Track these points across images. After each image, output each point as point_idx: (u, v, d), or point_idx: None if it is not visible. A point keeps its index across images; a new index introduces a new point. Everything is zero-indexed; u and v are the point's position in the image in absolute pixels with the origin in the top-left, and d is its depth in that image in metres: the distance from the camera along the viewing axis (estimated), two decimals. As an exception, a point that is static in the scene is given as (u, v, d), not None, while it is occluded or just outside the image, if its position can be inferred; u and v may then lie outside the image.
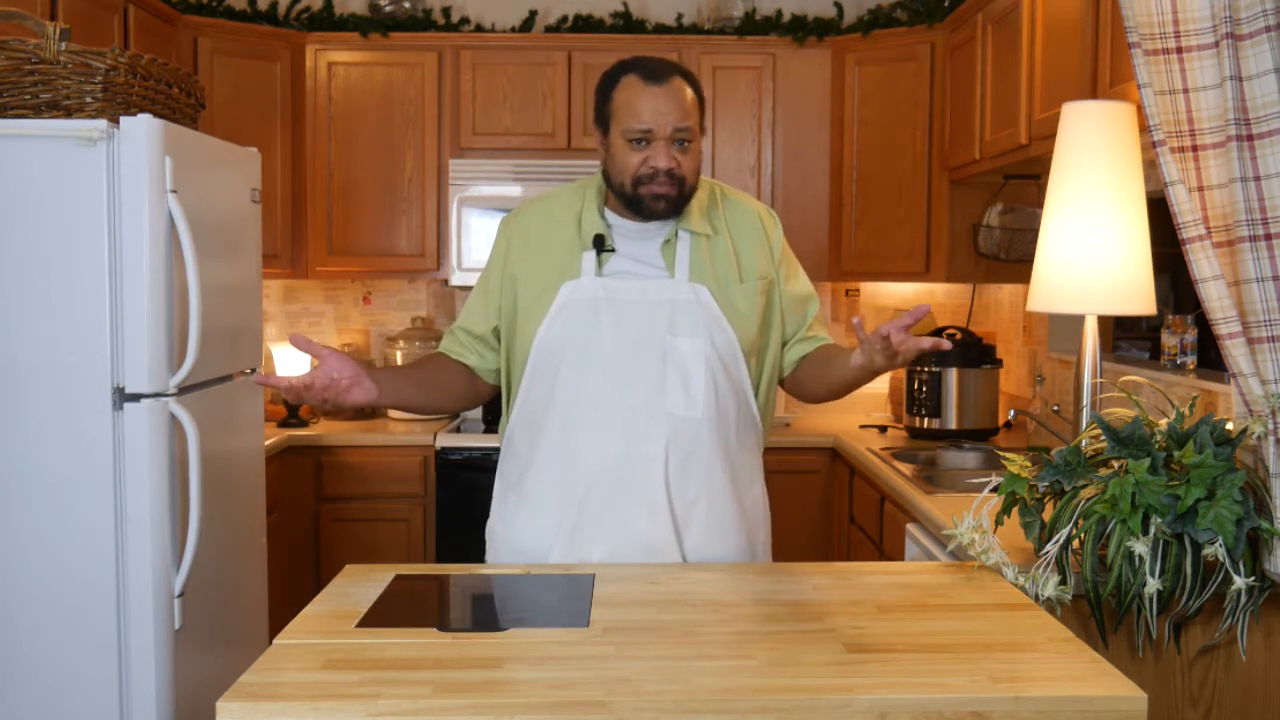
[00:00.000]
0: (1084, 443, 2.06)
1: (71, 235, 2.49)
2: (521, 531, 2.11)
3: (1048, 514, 2.03)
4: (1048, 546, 1.95)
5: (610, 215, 2.12)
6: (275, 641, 1.59)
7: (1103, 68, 2.61)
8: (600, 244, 2.08)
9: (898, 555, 3.03)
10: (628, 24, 4.37)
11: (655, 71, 2.03)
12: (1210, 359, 2.71)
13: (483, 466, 3.94)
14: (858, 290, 4.65)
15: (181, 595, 2.62)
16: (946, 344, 1.86)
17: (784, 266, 2.20)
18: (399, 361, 4.32)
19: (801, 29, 4.24)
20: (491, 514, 2.23)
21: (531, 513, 2.10)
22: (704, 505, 2.07)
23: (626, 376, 2.04)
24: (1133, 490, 1.88)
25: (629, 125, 2.01)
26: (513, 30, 4.42)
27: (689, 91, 2.04)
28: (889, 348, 1.87)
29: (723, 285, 2.10)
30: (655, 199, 2.03)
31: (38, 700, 2.53)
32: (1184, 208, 1.98)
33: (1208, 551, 1.87)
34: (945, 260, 4.02)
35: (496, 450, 3.89)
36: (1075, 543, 1.95)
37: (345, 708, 1.37)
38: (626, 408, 2.03)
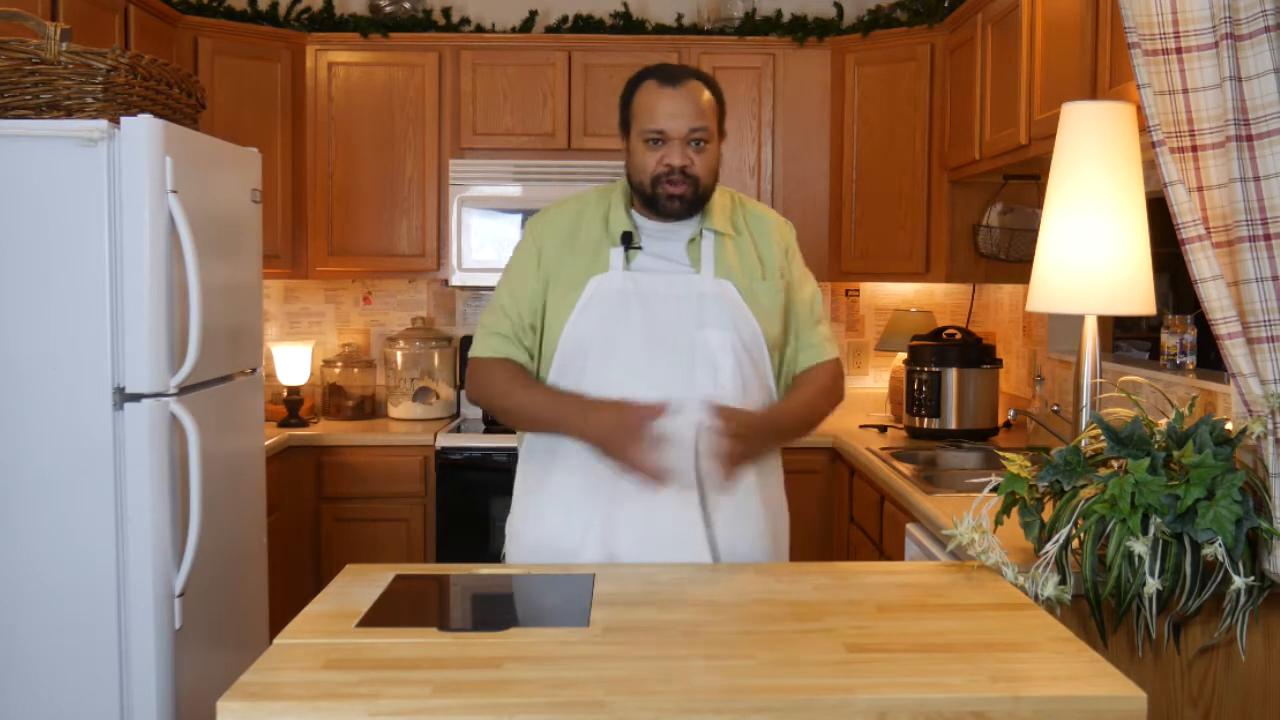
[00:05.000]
0: (1084, 443, 2.07)
1: (72, 235, 2.49)
2: (550, 525, 2.12)
3: (1047, 514, 2.03)
4: (1047, 546, 1.95)
5: (636, 216, 2.16)
6: (275, 641, 1.59)
7: (1102, 68, 2.61)
8: (628, 241, 2.13)
9: (898, 555, 3.03)
10: (628, 24, 4.37)
11: (672, 75, 2.10)
12: (1210, 359, 2.71)
13: (483, 466, 3.93)
14: (858, 290, 4.65)
15: (181, 595, 2.62)
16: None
17: (799, 271, 2.26)
18: (399, 362, 4.33)
19: (801, 29, 4.24)
20: (513, 510, 2.23)
21: (561, 504, 2.11)
22: (731, 492, 2.09)
23: (655, 366, 2.07)
24: (1132, 490, 1.88)
25: (645, 126, 2.08)
26: (513, 30, 4.42)
27: (706, 94, 2.10)
28: None
29: (748, 281, 2.14)
30: (670, 199, 2.09)
31: (38, 700, 2.53)
32: (1183, 208, 1.98)
33: (1207, 551, 1.87)
34: (945, 260, 4.02)
35: (497, 450, 3.93)
36: (1075, 543, 1.95)
37: (345, 708, 1.37)
38: (658, 395, 2.04)
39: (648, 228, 2.15)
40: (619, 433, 1.98)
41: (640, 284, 2.10)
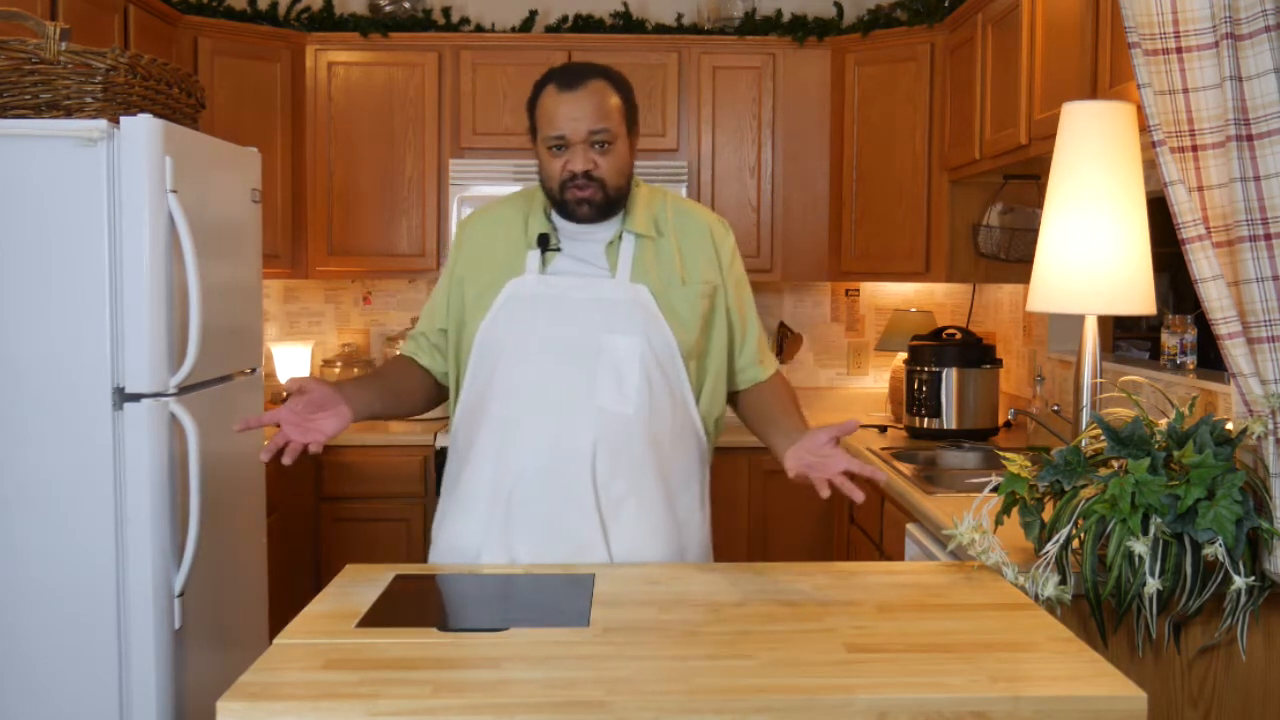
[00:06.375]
0: (1084, 443, 2.07)
1: (71, 235, 2.49)
2: (456, 529, 2.11)
3: (1047, 514, 2.03)
4: (1048, 546, 1.95)
5: (556, 217, 2.15)
6: (275, 641, 1.59)
7: (1103, 68, 2.61)
8: (545, 243, 2.12)
9: (898, 555, 3.03)
10: (628, 24, 4.37)
11: (571, 78, 2.07)
12: (1210, 359, 2.71)
13: (483, 466, 3.93)
14: (858, 290, 4.65)
15: (181, 595, 2.62)
16: (872, 479, 1.95)
17: (731, 276, 2.21)
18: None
19: (801, 29, 4.24)
20: (439, 509, 2.23)
21: (465, 509, 2.11)
22: (632, 503, 2.06)
23: (559, 371, 2.06)
24: (1132, 490, 1.88)
25: (546, 133, 2.06)
26: (513, 30, 4.42)
27: (610, 95, 2.07)
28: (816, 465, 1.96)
29: (664, 287, 2.11)
30: (578, 203, 2.07)
31: (38, 700, 2.53)
32: (1184, 208, 1.98)
33: (1207, 551, 1.87)
34: (945, 260, 4.02)
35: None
36: (1075, 543, 1.95)
37: (345, 708, 1.37)
38: (558, 402, 2.05)
39: (567, 229, 2.13)
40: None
41: (552, 288, 2.09)
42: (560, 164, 2.06)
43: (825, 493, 1.93)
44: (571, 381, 2.05)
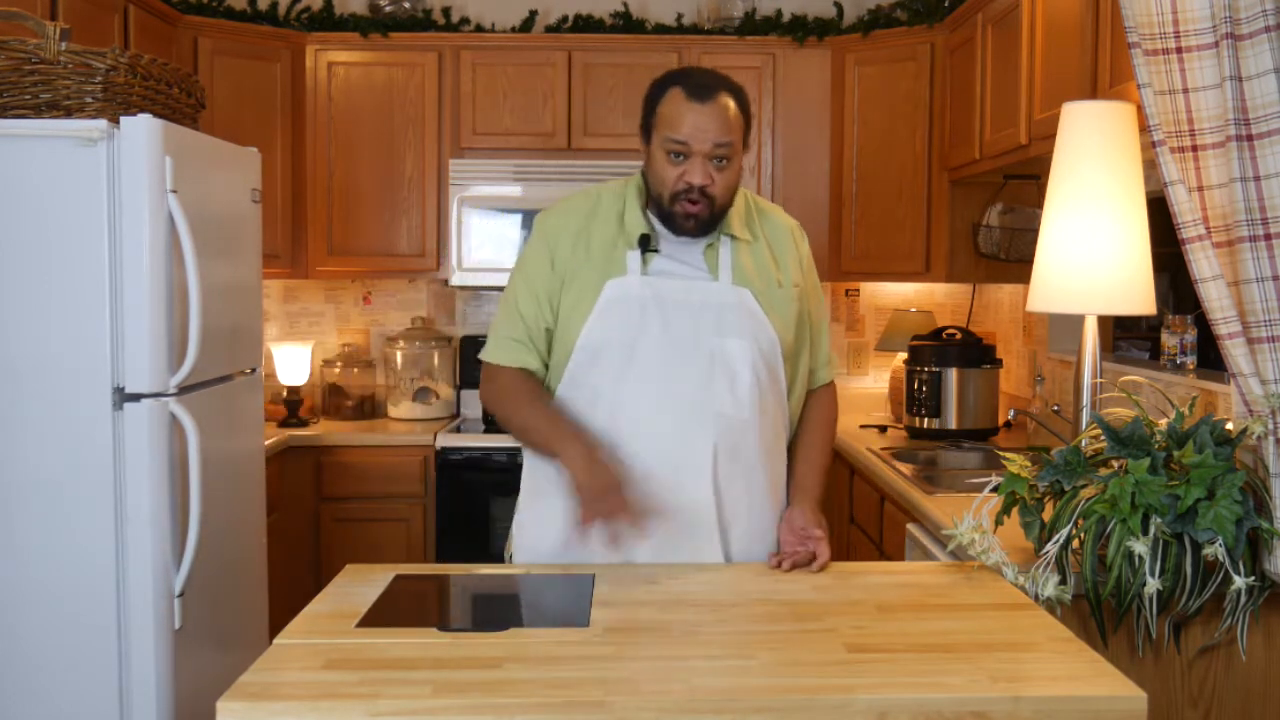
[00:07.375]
0: (1084, 443, 2.07)
1: (71, 235, 2.49)
2: (562, 534, 2.07)
3: (1047, 514, 2.03)
4: (1048, 546, 1.95)
5: (653, 217, 2.10)
6: (275, 641, 1.59)
7: (1103, 68, 2.61)
8: (646, 243, 2.08)
9: (898, 555, 3.03)
10: (628, 24, 4.36)
11: (700, 88, 2.01)
12: (1210, 359, 2.71)
13: (483, 466, 3.94)
14: (858, 290, 4.65)
15: (181, 595, 2.62)
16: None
17: (809, 280, 2.22)
18: (399, 362, 4.33)
19: (801, 29, 4.24)
20: (521, 510, 2.19)
21: (574, 513, 2.05)
22: (746, 505, 2.08)
23: (675, 376, 2.04)
24: (1132, 490, 1.88)
25: (668, 134, 2.00)
26: (513, 30, 4.42)
27: (733, 108, 2.03)
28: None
29: (765, 289, 2.10)
30: (686, 218, 2.03)
31: (38, 700, 2.53)
32: (1184, 208, 1.98)
33: (1208, 551, 1.87)
34: (945, 260, 4.02)
35: (497, 450, 3.94)
36: (1075, 542, 1.95)
37: (345, 708, 1.37)
38: (675, 407, 2.03)
39: (664, 230, 2.09)
40: (600, 493, 1.94)
41: (658, 290, 2.05)
42: (678, 173, 2.01)
43: (772, 564, 2.02)
44: (687, 387, 2.04)
